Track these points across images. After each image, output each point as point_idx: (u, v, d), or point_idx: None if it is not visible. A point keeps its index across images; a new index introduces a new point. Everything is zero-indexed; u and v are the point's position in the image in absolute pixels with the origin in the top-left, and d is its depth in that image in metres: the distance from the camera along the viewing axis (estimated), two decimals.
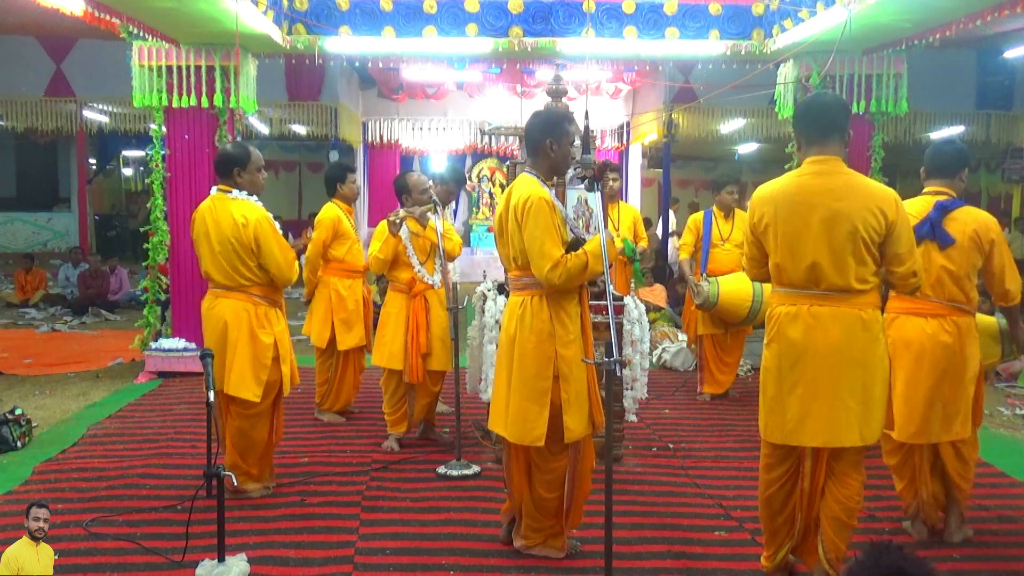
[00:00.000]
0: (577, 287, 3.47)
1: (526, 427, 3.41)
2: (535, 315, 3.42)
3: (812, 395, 3.06)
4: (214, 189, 4.29)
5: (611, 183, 6.65)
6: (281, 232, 4.30)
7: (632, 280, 6.85)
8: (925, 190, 3.85)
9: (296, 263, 4.31)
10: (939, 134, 11.76)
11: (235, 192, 4.21)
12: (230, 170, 4.20)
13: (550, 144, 3.49)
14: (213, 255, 4.16)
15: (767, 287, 3.47)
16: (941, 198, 3.76)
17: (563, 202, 4.76)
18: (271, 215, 4.28)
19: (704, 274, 6.32)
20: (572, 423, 3.41)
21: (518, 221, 3.39)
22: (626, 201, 8.13)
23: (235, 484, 3.90)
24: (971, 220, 3.72)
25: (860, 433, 3.06)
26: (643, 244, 7.14)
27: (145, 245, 7.30)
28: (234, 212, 4.13)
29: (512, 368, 3.46)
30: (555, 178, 4.77)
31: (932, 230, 3.71)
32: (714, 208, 6.50)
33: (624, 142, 13.84)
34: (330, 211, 5.68)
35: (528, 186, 3.43)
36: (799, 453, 3.21)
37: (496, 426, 3.56)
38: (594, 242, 3.38)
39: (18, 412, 5.25)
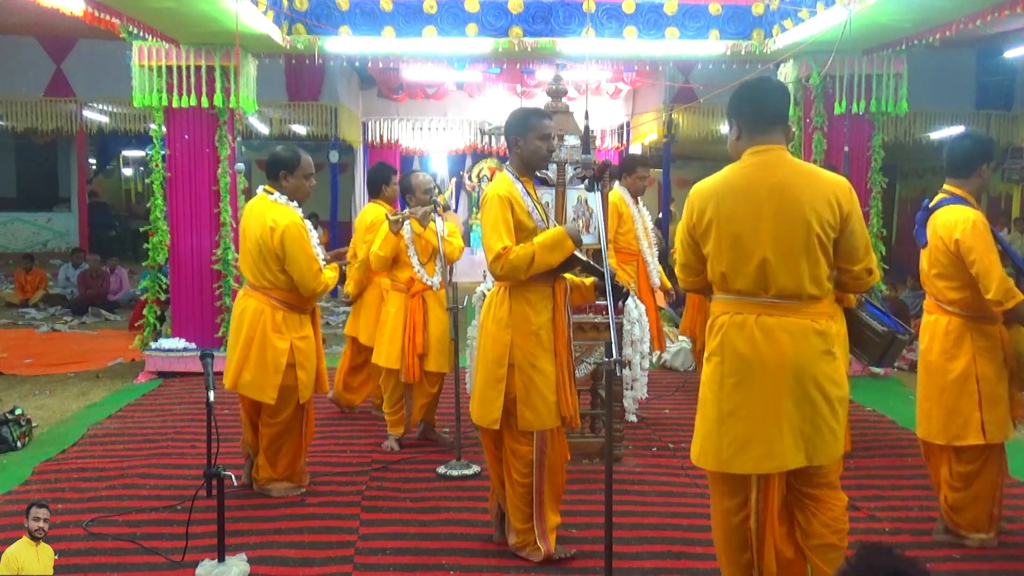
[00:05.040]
0: (547, 280, 3.50)
1: (484, 409, 3.56)
2: (498, 306, 3.55)
3: (758, 416, 2.68)
4: (260, 188, 4.34)
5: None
6: (316, 240, 4.27)
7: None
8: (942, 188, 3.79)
9: (324, 274, 4.22)
10: (939, 134, 11.76)
11: (276, 195, 4.23)
12: (277, 172, 4.24)
13: (515, 140, 3.59)
14: (245, 253, 4.26)
15: None
16: (944, 196, 3.73)
17: (563, 202, 4.76)
18: (308, 222, 4.29)
19: None
20: (527, 412, 3.48)
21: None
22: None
23: (235, 483, 3.89)
24: (940, 222, 3.63)
25: (807, 454, 2.69)
26: None
27: (145, 245, 7.32)
28: (267, 214, 4.15)
29: (478, 353, 3.65)
30: (553, 176, 4.78)
31: (916, 229, 3.75)
32: None
33: (624, 142, 13.84)
34: (377, 212, 5.49)
35: (494, 183, 3.59)
36: (748, 482, 2.80)
37: (470, 405, 3.71)
38: (544, 234, 3.45)
39: (18, 412, 5.25)
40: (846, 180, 2.78)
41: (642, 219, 5.99)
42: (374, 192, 5.75)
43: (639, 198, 6.04)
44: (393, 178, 5.78)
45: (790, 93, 3.07)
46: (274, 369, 4.15)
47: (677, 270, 3.07)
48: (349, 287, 5.80)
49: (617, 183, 5.95)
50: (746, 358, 2.71)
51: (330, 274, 4.29)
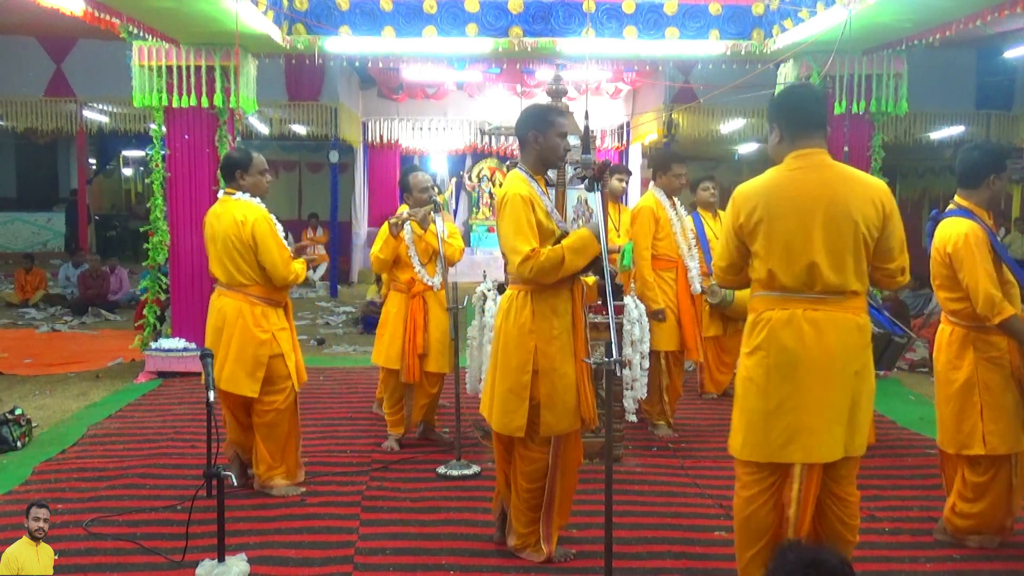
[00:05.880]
0: (566, 282, 3.46)
1: (507, 417, 3.47)
2: (519, 310, 3.46)
3: (805, 408, 2.81)
4: (220, 192, 4.44)
5: (618, 183, 6.50)
6: (282, 233, 4.39)
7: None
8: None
9: (294, 264, 4.36)
10: (939, 134, 11.77)
11: (238, 194, 4.35)
12: (233, 173, 4.36)
13: (534, 137, 3.51)
14: (216, 254, 4.31)
15: None
16: (952, 208, 3.73)
17: (563, 202, 4.76)
18: (273, 216, 4.39)
19: (712, 274, 6.22)
20: (550, 417, 3.43)
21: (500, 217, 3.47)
22: (626, 204, 7.92)
23: (235, 483, 3.91)
24: (938, 235, 3.67)
25: (845, 446, 2.84)
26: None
27: (145, 245, 7.32)
28: (235, 212, 4.27)
29: (497, 360, 3.54)
30: (553, 176, 4.77)
31: (926, 241, 3.78)
32: (699, 210, 6.37)
33: (624, 142, 13.85)
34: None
35: (510, 182, 3.50)
36: (782, 471, 2.91)
37: (484, 411, 3.63)
38: (573, 237, 3.39)
39: (18, 412, 5.25)
40: (885, 183, 2.94)
41: (681, 221, 5.53)
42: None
43: (676, 198, 5.57)
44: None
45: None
46: (256, 362, 4.25)
47: (718, 270, 3.14)
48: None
49: (652, 184, 5.60)
50: (794, 351, 2.83)
51: (298, 265, 4.41)
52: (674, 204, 5.53)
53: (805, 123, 2.92)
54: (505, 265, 3.70)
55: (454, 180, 16.23)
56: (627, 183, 6.88)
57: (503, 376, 3.49)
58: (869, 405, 2.92)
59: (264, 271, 4.27)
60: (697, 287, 5.46)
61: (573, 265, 3.36)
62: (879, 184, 2.92)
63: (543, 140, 3.50)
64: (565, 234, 3.47)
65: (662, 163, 5.56)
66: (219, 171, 4.46)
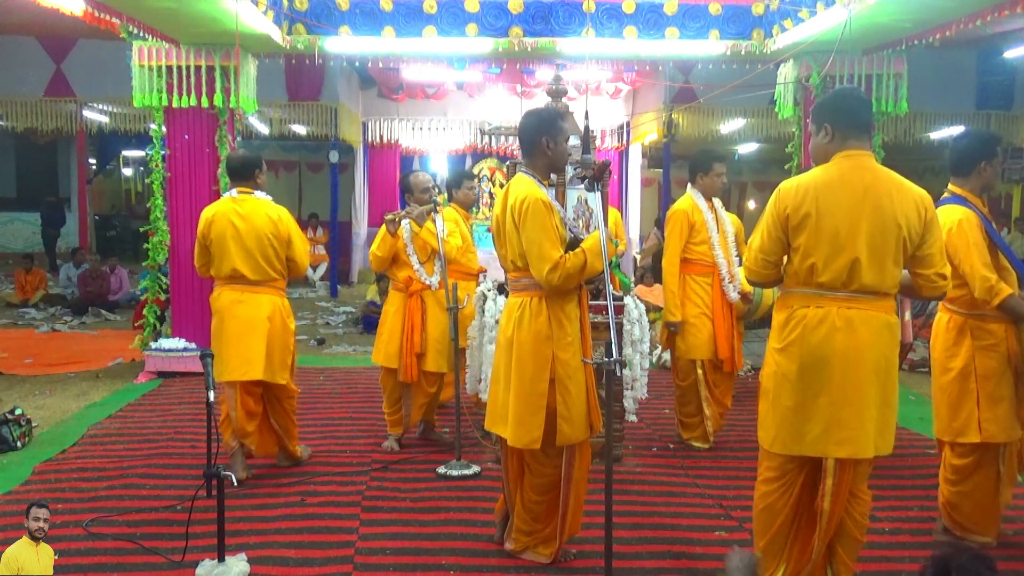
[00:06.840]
0: (576, 287, 3.46)
1: (523, 430, 3.40)
2: (533, 317, 3.40)
3: (840, 403, 2.89)
4: (234, 191, 4.53)
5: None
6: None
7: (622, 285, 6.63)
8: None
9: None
10: (939, 134, 11.77)
11: (259, 193, 4.50)
12: (251, 172, 4.51)
13: (546, 142, 3.48)
14: (245, 252, 4.38)
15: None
16: (945, 196, 3.73)
17: (563, 202, 4.76)
18: None
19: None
20: (567, 426, 3.39)
21: (516, 223, 3.38)
22: (626, 204, 7.84)
23: (235, 483, 3.90)
24: None
25: (876, 444, 2.93)
26: (620, 247, 6.98)
27: (145, 245, 7.33)
28: (266, 211, 4.45)
29: (510, 371, 3.45)
30: (553, 177, 4.79)
31: None
32: None
33: (624, 142, 13.83)
34: (450, 215, 5.46)
35: (525, 187, 3.42)
36: (809, 466, 3.00)
37: (494, 427, 3.57)
38: (591, 240, 3.37)
39: (18, 412, 5.25)
40: (926, 192, 3.02)
41: (720, 225, 5.18)
42: (448, 196, 5.77)
43: (717, 200, 5.27)
44: (465, 183, 5.79)
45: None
46: (289, 351, 4.52)
47: (753, 264, 3.12)
48: None
49: (689, 186, 5.29)
50: (827, 349, 2.91)
51: None
52: (712, 207, 5.23)
53: (855, 125, 3.01)
54: (504, 270, 3.69)
55: None
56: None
57: (518, 387, 3.41)
58: (895, 404, 3.00)
59: (287, 265, 4.51)
60: (733, 295, 5.16)
61: (593, 269, 3.35)
62: (922, 191, 2.99)
63: (554, 146, 3.49)
64: (576, 239, 3.47)
65: (703, 162, 5.21)
66: (233, 170, 4.53)
